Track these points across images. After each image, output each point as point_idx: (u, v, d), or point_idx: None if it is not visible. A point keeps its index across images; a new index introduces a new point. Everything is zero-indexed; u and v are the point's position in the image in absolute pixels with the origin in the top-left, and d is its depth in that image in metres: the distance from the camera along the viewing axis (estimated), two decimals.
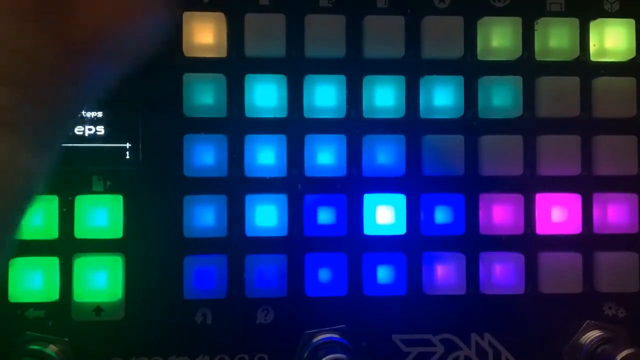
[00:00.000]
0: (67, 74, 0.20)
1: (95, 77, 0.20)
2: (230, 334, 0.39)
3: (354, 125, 0.40)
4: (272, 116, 0.39)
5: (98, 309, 0.38)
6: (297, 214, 0.39)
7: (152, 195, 0.39)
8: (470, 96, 0.40)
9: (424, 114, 0.40)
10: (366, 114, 0.40)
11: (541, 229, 0.40)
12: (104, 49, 0.20)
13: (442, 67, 0.40)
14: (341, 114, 0.40)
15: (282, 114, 0.39)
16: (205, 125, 0.39)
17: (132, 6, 0.20)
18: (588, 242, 0.41)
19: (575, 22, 0.41)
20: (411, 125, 0.40)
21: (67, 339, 0.38)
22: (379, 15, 0.40)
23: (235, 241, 0.39)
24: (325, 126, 0.40)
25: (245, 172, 0.39)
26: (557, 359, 0.41)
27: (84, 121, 0.38)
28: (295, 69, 0.40)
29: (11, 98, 0.19)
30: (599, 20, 0.41)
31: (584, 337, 0.40)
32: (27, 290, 0.38)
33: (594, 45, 0.41)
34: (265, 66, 0.39)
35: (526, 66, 0.41)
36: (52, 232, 0.38)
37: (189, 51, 0.39)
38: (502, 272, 0.40)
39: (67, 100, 0.20)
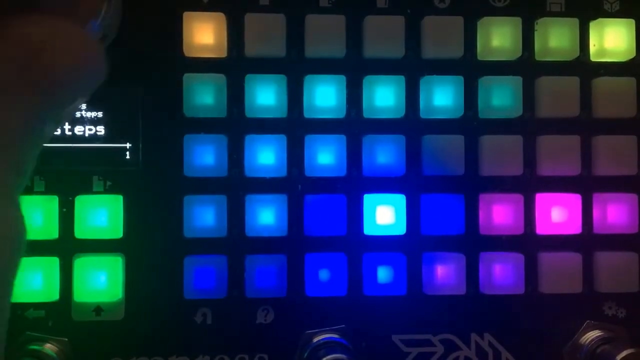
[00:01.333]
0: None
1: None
2: (230, 334, 0.39)
3: (354, 125, 0.40)
4: (272, 116, 0.39)
5: (98, 309, 0.38)
6: (297, 214, 0.39)
7: (152, 195, 0.39)
8: (470, 96, 0.40)
9: (424, 114, 0.40)
10: (366, 114, 0.40)
11: (541, 229, 0.40)
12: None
13: (442, 67, 0.40)
14: (341, 114, 0.40)
15: (282, 114, 0.39)
16: (205, 125, 0.39)
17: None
18: (588, 242, 0.41)
19: (575, 22, 0.41)
20: (411, 125, 0.40)
21: (67, 339, 0.38)
22: (379, 15, 0.40)
23: (235, 241, 0.39)
24: (325, 126, 0.40)
25: (245, 172, 0.39)
26: (557, 359, 0.41)
27: (84, 121, 0.38)
28: (295, 69, 0.39)
29: None
30: (599, 20, 0.41)
31: (584, 337, 0.40)
32: (27, 290, 0.38)
33: (594, 45, 0.41)
34: (265, 66, 0.39)
35: (526, 66, 0.41)
36: (52, 232, 0.38)
37: (189, 51, 0.39)
38: (502, 272, 0.40)
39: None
